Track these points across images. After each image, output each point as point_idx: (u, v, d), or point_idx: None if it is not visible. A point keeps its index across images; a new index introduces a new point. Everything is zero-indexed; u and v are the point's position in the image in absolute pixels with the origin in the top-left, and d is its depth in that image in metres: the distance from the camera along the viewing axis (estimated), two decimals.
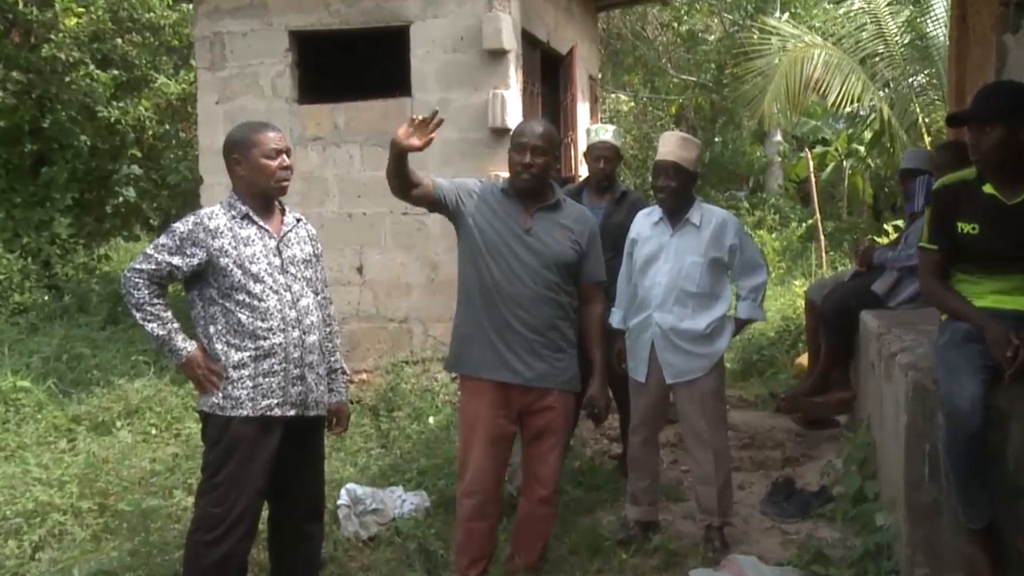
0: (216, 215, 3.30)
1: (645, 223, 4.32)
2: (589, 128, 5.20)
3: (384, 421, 6.26)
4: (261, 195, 3.35)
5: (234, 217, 3.31)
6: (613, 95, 19.54)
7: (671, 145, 4.17)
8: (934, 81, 10.04)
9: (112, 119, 10.36)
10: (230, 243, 3.25)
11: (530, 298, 3.52)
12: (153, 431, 6.18)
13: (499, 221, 3.56)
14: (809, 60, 8.73)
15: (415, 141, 3.38)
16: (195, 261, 3.22)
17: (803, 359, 6.56)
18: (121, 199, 10.79)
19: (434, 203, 3.60)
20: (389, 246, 7.52)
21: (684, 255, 4.14)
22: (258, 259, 3.27)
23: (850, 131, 14.73)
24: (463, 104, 7.27)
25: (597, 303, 3.74)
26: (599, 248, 3.77)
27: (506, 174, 3.72)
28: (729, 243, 4.17)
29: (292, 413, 3.31)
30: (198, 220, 3.27)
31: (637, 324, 4.25)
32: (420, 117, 3.38)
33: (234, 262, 3.23)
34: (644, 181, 17.93)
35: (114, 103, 10.53)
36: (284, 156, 3.35)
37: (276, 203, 3.43)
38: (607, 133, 5.09)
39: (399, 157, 3.46)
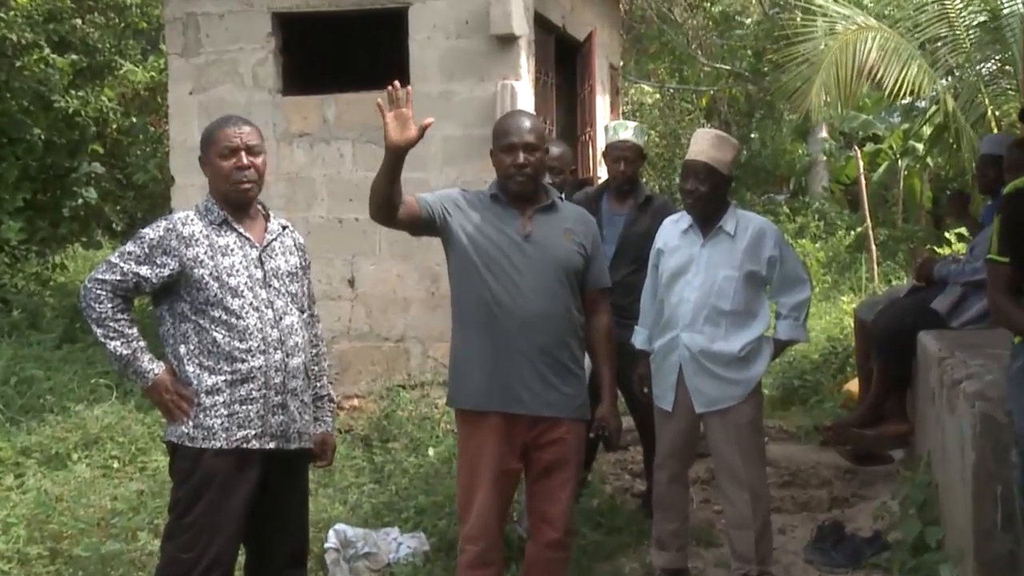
0: (191, 221, 3.30)
1: (673, 231, 4.32)
2: (608, 125, 5.23)
3: (378, 453, 6.26)
4: (223, 200, 3.35)
5: (211, 223, 3.31)
6: (636, 86, 19.59)
7: (703, 144, 4.17)
8: (1007, 67, 9.95)
9: (70, 110, 10.40)
10: (206, 252, 3.25)
11: (536, 313, 3.51)
12: (115, 465, 6.18)
13: (493, 230, 3.54)
14: (861, 45, 8.69)
15: (411, 132, 3.36)
16: (166, 272, 3.23)
17: (852, 385, 6.54)
18: (80, 200, 10.77)
19: (419, 222, 3.56)
20: (384, 255, 7.53)
21: (716, 268, 4.15)
22: (237, 271, 3.28)
23: (907, 126, 14.69)
24: (468, 96, 7.30)
25: (603, 313, 3.74)
26: (602, 251, 3.79)
27: None
28: (768, 254, 4.18)
29: (272, 445, 3.31)
30: (170, 226, 3.27)
31: (663, 346, 4.26)
32: (389, 97, 3.36)
33: (210, 274, 3.24)
34: (671, 184, 17.98)
35: (72, 92, 10.56)
36: (242, 154, 3.31)
37: (259, 207, 3.44)
38: (627, 131, 5.11)
39: (397, 163, 3.42)
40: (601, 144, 6.36)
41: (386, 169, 3.44)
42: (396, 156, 3.40)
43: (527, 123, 3.60)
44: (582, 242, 3.65)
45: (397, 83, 3.43)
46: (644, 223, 5.02)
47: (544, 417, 3.56)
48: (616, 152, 5.10)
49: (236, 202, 3.35)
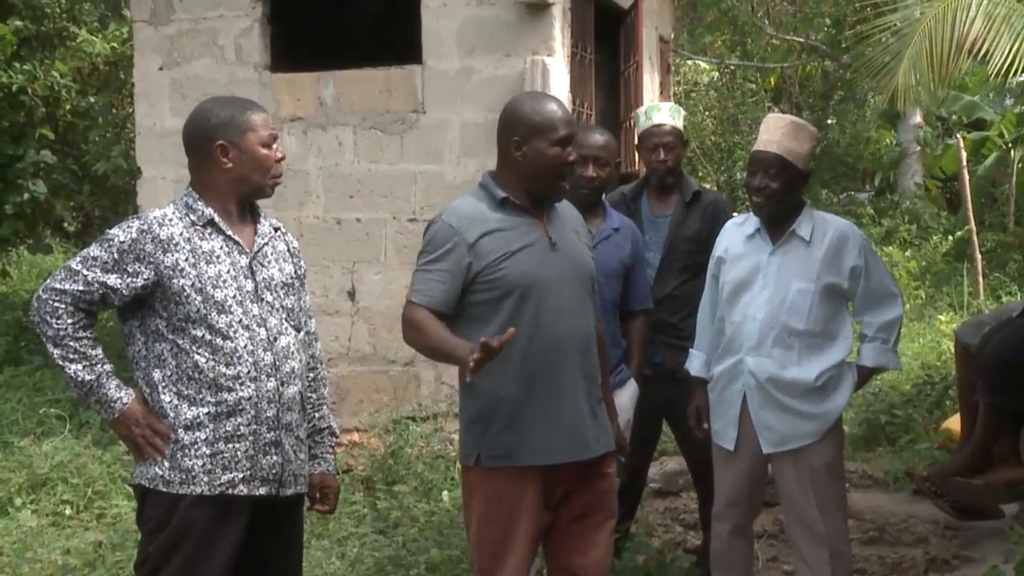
0: (169, 221, 3.30)
1: (736, 236, 4.34)
2: (638, 111, 5.23)
3: (382, 497, 6.29)
4: (249, 195, 3.40)
5: (193, 224, 3.32)
6: (690, 62, 19.60)
7: (776, 132, 4.19)
8: None
9: (14, 87, 10.42)
10: (187, 259, 3.26)
11: (579, 336, 3.53)
12: (67, 511, 6.22)
13: (521, 245, 3.51)
14: (962, 13, 8.66)
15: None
16: (139, 282, 3.23)
17: (953, 423, 6.50)
18: (26, 195, 10.72)
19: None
20: (391, 263, 7.58)
21: (788, 280, 4.16)
22: (224, 282, 3.28)
23: (1021, 110, 14.63)
24: (491, 75, 7.34)
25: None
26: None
27: None
28: (850, 264, 4.19)
29: (263, 491, 3.32)
30: (145, 227, 3.26)
31: (724, 372, 4.27)
32: (493, 343, 3.18)
33: (192, 285, 3.24)
34: (731, 178, 17.99)
35: (17, 65, 10.59)
36: (278, 145, 3.42)
37: (247, 206, 3.47)
38: (661, 112, 5.12)
39: (447, 360, 3.48)
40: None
41: (441, 357, 3.52)
42: (452, 363, 3.42)
43: (566, 109, 3.63)
44: (588, 243, 3.74)
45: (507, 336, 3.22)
46: (693, 224, 5.05)
47: (596, 456, 3.59)
48: (653, 139, 5.10)
49: (256, 197, 3.43)
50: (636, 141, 5.28)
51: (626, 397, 4.55)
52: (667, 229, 5.08)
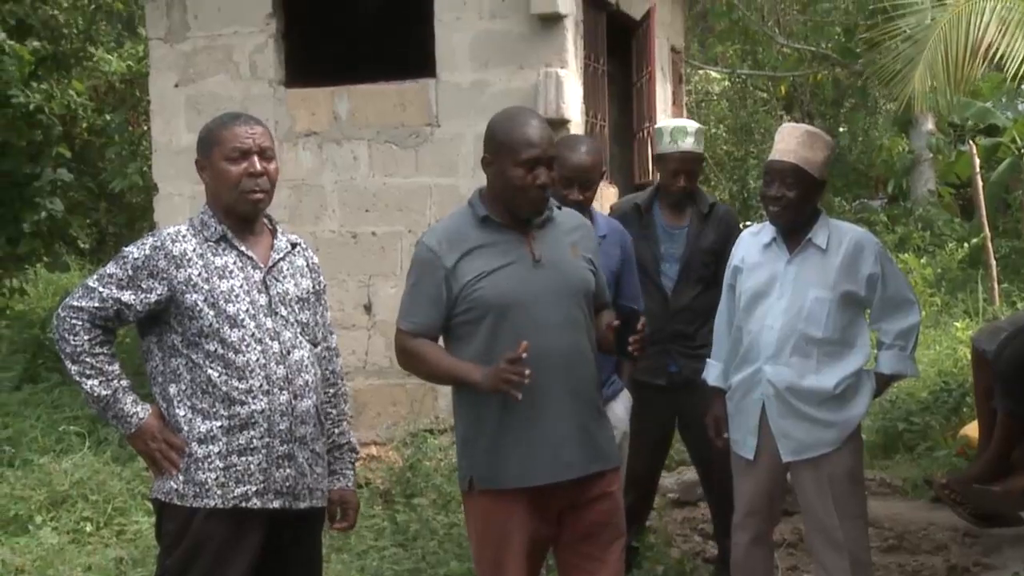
0: (183, 237, 3.32)
1: (752, 245, 4.32)
2: (661, 128, 5.13)
3: (401, 511, 6.26)
4: (228, 212, 3.37)
5: (206, 240, 3.34)
6: (701, 72, 19.60)
7: (792, 142, 4.17)
8: None
9: (31, 106, 10.44)
10: (200, 274, 3.27)
11: (565, 353, 3.47)
12: (87, 528, 6.20)
13: (501, 264, 3.47)
14: (976, 18, 8.63)
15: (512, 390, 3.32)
16: (153, 298, 3.25)
17: (970, 430, 6.47)
18: (44, 214, 10.75)
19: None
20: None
21: (806, 288, 4.14)
22: (237, 296, 3.29)
23: None
24: (505, 87, 7.34)
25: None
26: (600, 262, 3.75)
27: None
28: (867, 272, 4.17)
29: (277, 504, 3.31)
30: (158, 243, 3.29)
31: (742, 381, 4.25)
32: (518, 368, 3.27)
33: (205, 300, 3.26)
34: (745, 188, 17.96)
35: (34, 85, 10.62)
36: (255, 159, 3.34)
37: (265, 221, 3.47)
38: (688, 138, 4.99)
39: (454, 383, 3.54)
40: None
41: (451, 381, 3.57)
42: (469, 386, 3.45)
43: (546, 129, 3.53)
44: (589, 256, 3.64)
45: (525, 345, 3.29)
46: (710, 236, 5.02)
47: (590, 474, 3.55)
48: (674, 164, 5.02)
49: (243, 214, 3.38)
50: (654, 155, 5.21)
51: (620, 408, 4.49)
52: (685, 241, 5.04)
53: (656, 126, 5.86)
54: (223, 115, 3.50)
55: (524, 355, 3.27)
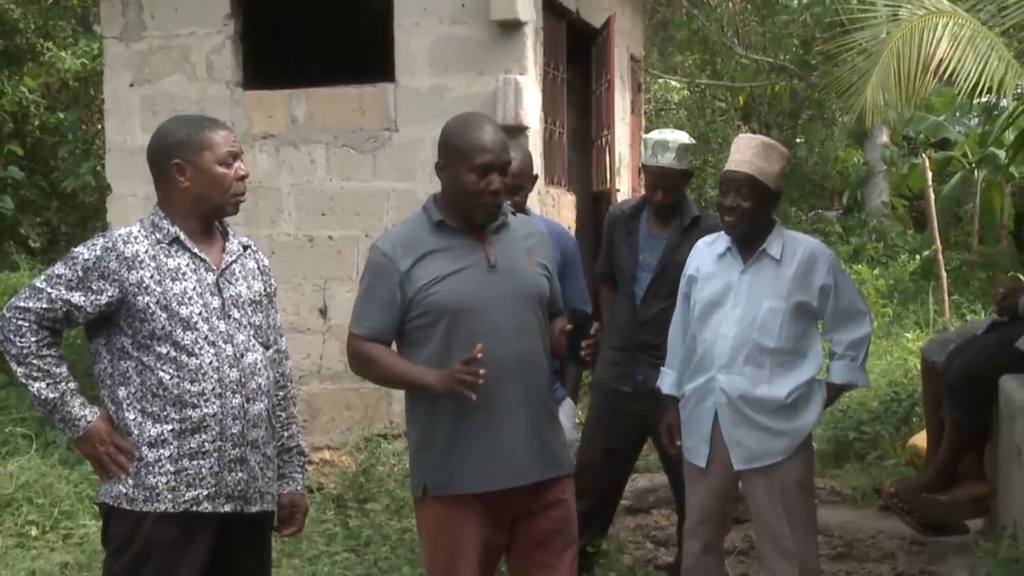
0: (135, 238, 3.30)
1: (707, 255, 4.34)
2: (647, 139, 5.03)
3: (353, 516, 6.26)
4: (211, 214, 3.38)
5: (159, 242, 3.31)
6: (660, 80, 19.68)
7: (747, 152, 4.19)
8: None
9: None
10: (152, 276, 3.25)
11: (520, 357, 3.48)
12: (32, 532, 6.14)
13: (456, 268, 3.48)
14: (931, 32, 8.73)
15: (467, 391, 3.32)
16: (103, 299, 3.22)
17: (919, 439, 6.53)
18: None
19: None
20: None
21: (759, 298, 4.16)
22: (191, 299, 3.27)
23: (984, 130, 14.76)
24: (464, 93, 7.34)
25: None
26: (554, 269, 3.75)
27: None
28: (820, 283, 4.19)
29: (228, 508, 3.30)
30: (109, 244, 3.26)
31: (695, 390, 4.26)
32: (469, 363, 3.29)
33: (157, 302, 3.24)
34: (701, 197, 18.03)
35: None
36: (240, 163, 3.38)
37: (216, 223, 3.45)
38: (669, 154, 4.90)
39: (408, 387, 3.57)
40: (622, 151, 6.36)
41: (405, 385, 3.61)
42: (427, 390, 3.46)
43: (499, 134, 3.52)
44: (544, 263, 3.65)
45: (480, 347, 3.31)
46: (687, 249, 4.97)
47: (544, 479, 3.55)
48: (651, 178, 4.97)
49: (218, 216, 3.41)
50: (641, 164, 5.16)
51: (563, 417, 4.48)
52: (661, 252, 4.98)
53: (644, 136, 5.81)
54: (191, 116, 3.51)
55: (479, 356, 3.27)
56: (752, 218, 4.16)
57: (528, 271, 3.57)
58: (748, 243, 4.21)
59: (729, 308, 4.19)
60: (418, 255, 3.48)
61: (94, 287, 3.22)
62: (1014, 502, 4.80)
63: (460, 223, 3.52)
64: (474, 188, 3.45)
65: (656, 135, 5.00)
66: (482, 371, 3.27)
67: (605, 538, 5.29)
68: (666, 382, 4.44)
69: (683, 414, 4.34)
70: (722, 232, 4.32)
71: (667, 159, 4.91)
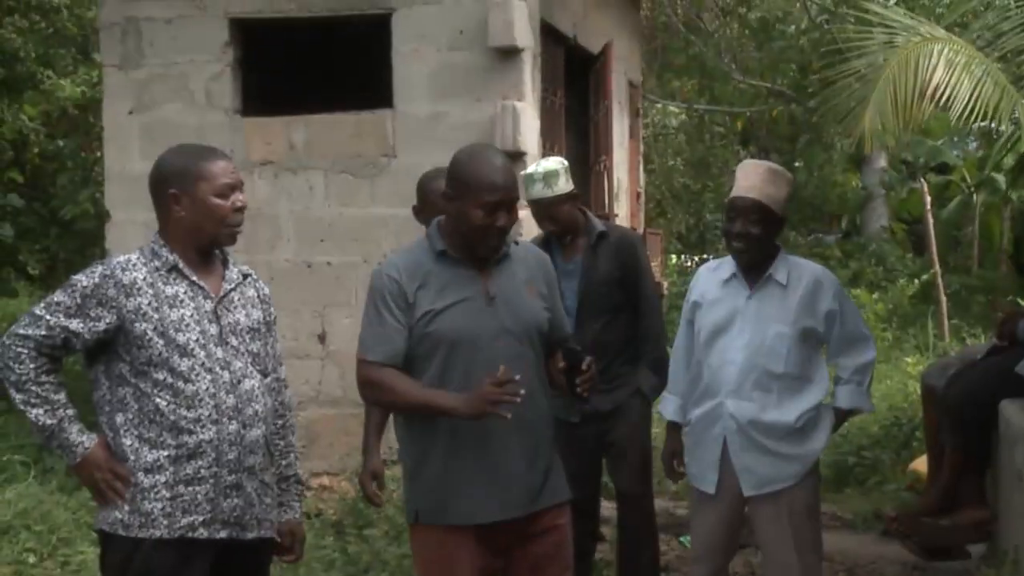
0: (133, 266, 3.30)
1: (711, 281, 4.33)
2: (524, 173, 4.92)
3: (352, 542, 6.24)
4: (207, 244, 3.38)
5: (157, 269, 3.32)
6: (659, 105, 19.73)
7: (755, 178, 4.18)
8: None
9: None
10: (150, 303, 3.25)
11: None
12: (31, 559, 6.10)
13: (455, 298, 3.47)
14: (924, 60, 8.77)
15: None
16: (101, 326, 3.23)
17: (919, 464, 6.51)
18: None
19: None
20: (361, 307, 7.46)
21: (766, 324, 4.15)
22: (188, 326, 3.28)
23: (983, 154, 14.82)
24: (462, 120, 7.35)
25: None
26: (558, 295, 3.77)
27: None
28: (825, 308, 4.19)
29: (224, 534, 3.29)
30: (108, 272, 3.27)
31: (703, 416, 4.24)
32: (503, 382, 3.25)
33: (154, 329, 3.24)
34: (701, 221, 18.08)
35: None
36: (238, 194, 3.38)
37: (216, 252, 3.45)
38: (534, 185, 4.81)
39: (428, 412, 3.46)
40: (620, 176, 6.34)
41: (424, 410, 3.47)
42: (450, 415, 3.39)
43: (509, 171, 3.50)
44: (544, 293, 3.64)
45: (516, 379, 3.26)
46: (603, 266, 4.89)
47: (538, 509, 3.54)
48: (535, 210, 4.91)
49: (214, 246, 3.40)
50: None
51: None
52: (579, 277, 4.92)
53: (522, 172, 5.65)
54: (192, 147, 3.50)
55: (517, 377, 3.24)
56: (761, 244, 4.15)
57: (528, 304, 3.56)
58: (753, 269, 4.20)
59: (736, 333, 4.17)
60: (419, 283, 3.48)
61: (92, 314, 3.23)
62: (1015, 527, 4.78)
63: (462, 253, 3.51)
64: (481, 223, 3.44)
65: (529, 168, 4.92)
66: (522, 391, 3.24)
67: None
68: (669, 409, 4.42)
69: (688, 441, 4.33)
70: (727, 258, 4.31)
71: (535, 190, 4.83)
